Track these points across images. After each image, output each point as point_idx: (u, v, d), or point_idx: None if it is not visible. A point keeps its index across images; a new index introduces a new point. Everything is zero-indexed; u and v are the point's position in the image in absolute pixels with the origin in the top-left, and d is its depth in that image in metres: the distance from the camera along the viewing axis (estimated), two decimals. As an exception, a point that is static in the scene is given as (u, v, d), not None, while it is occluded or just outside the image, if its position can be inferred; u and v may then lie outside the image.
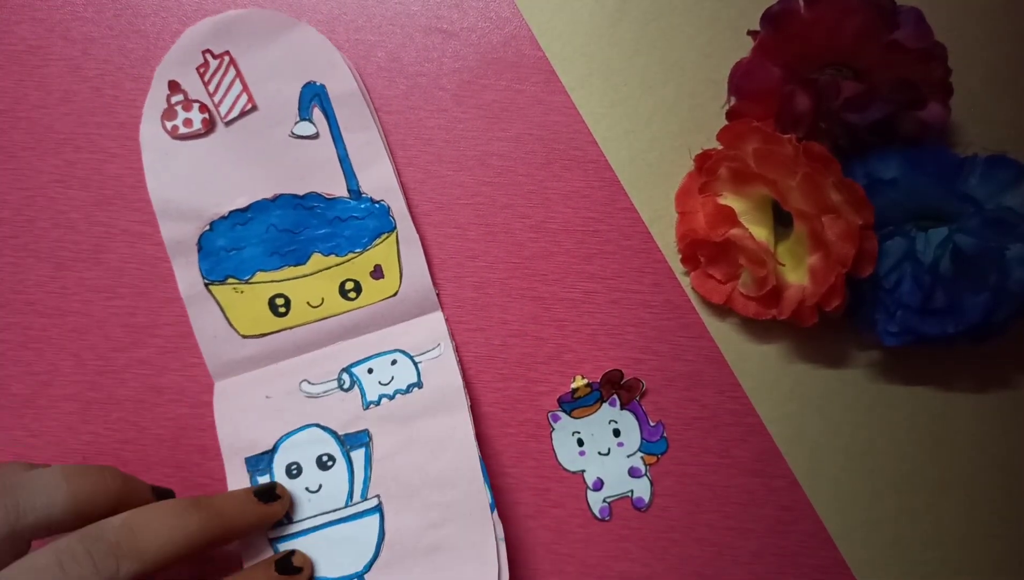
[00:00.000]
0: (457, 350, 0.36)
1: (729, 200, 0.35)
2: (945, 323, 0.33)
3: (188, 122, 0.35)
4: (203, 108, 0.35)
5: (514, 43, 0.38)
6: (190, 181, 0.35)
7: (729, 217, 0.34)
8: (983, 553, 0.36)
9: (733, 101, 0.35)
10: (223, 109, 0.35)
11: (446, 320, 0.36)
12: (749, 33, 0.34)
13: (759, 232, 0.34)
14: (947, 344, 0.33)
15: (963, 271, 0.32)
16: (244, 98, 0.35)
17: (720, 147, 0.35)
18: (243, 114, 0.35)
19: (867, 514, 0.36)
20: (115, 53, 0.38)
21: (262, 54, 0.36)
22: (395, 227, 0.36)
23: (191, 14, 0.38)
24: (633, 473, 0.36)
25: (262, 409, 0.35)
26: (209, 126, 0.35)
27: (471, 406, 0.36)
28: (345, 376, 0.35)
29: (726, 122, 0.35)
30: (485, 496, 0.33)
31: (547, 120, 0.38)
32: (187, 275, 0.35)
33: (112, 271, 0.37)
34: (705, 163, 0.35)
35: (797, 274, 0.34)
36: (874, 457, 0.36)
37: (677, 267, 0.37)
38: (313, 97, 0.36)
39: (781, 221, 0.35)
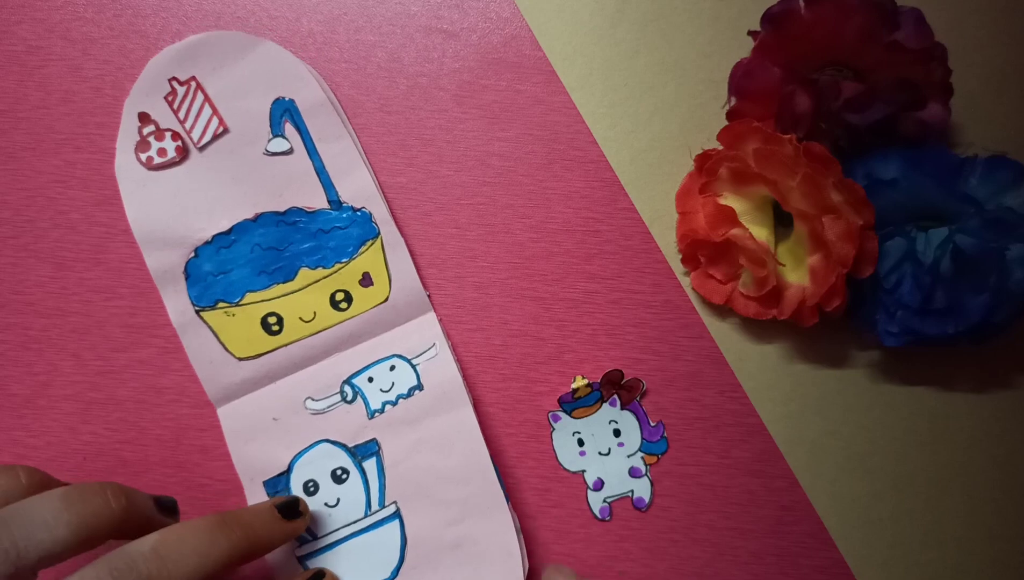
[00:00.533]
0: (454, 349, 0.36)
1: (729, 200, 0.35)
2: (945, 324, 0.33)
3: (162, 152, 0.35)
4: (175, 136, 0.35)
5: (514, 43, 0.38)
6: (171, 210, 0.35)
7: (729, 217, 0.34)
8: (983, 553, 0.36)
9: (733, 101, 0.35)
10: (195, 134, 0.35)
11: (440, 320, 0.36)
12: (749, 33, 0.34)
13: (759, 232, 0.34)
14: (947, 344, 0.33)
15: (963, 271, 0.32)
16: (215, 121, 0.35)
17: (720, 147, 0.35)
18: (215, 137, 0.35)
19: (867, 514, 0.36)
20: (115, 53, 0.37)
21: (228, 75, 0.36)
22: (379, 233, 0.36)
23: (191, 14, 0.38)
24: (633, 473, 0.36)
25: (271, 431, 0.35)
26: (183, 153, 0.35)
27: (473, 404, 0.36)
28: (347, 388, 0.35)
29: (726, 122, 0.35)
30: (498, 489, 0.34)
31: (547, 120, 0.38)
32: (177, 304, 0.35)
33: (112, 271, 0.37)
34: (705, 163, 0.35)
35: (797, 274, 0.34)
36: (874, 457, 0.36)
37: (677, 267, 0.37)
38: (283, 112, 0.36)
39: (781, 221, 0.35)
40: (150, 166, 0.35)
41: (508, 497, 0.34)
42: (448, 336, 0.36)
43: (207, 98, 0.35)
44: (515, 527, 0.34)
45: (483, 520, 0.34)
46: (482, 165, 0.37)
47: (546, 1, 0.38)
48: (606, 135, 0.38)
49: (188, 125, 0.35)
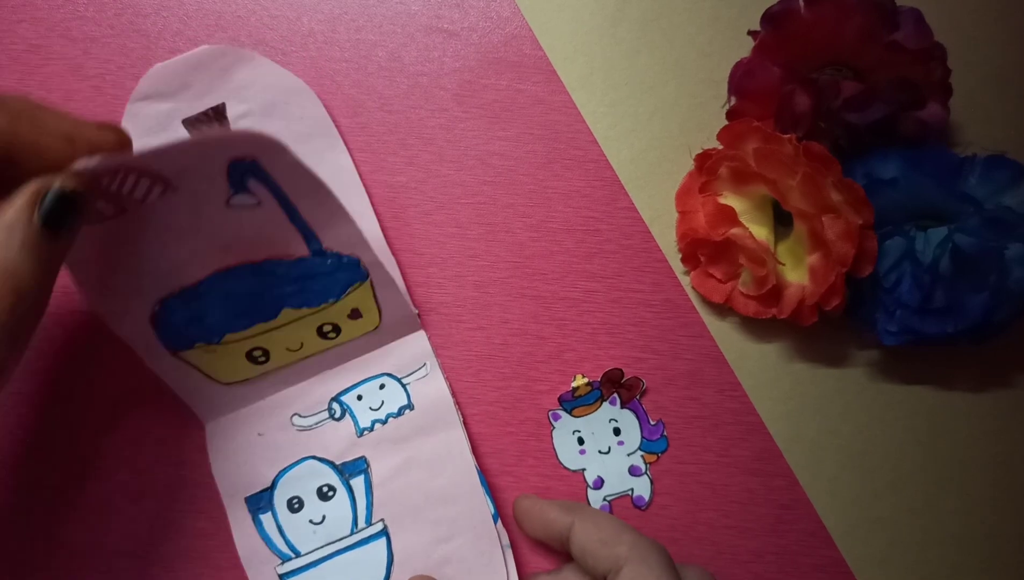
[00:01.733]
0: (443, 367, 0.36)
1: (729, 199, 0.35)
2: (944, 323, 0.33)
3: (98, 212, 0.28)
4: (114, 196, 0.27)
5: (515, 43, 0.38)
6: (119, 266, 0.30)
7: (729, 216, 0.34)
8: (981, 552, 0.36)
9: (733, 101, 0.35)
10: (138, 194, 0.28)
11: (429, 338, 0.36)
12: (749, 33, 0.34)
13: (759, 231, 0.34)
14: (946, 344, 0.34)
15: (962, 271, 0.32)
16: (159, 187, 0.28)
17: (720, 147, 0.35)
18: (162, 195, 0.28)
19: (866, 513, 0.36)
20: (116, 52, 0.38)
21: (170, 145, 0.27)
22: (368, 276, 0.33)
23: (191, 14, 0.38)
24: (633, 472, 0.36)
25: (256, 447, 0.34)
26: (118, 209, 0.28)
27: (470, 407, 0.36)
28: (335, 405, 0.35)
29: (726, 122, 0.35)
30: (487, 507, 0.34)
31: (548, 120, 0.38)
32: (148, 350, 0.32)
33: (113, 270, 0.37)
34: (705, 162, 0.35)
35: (797, 273, 0.34)
36: (873, 456, 0.36)
37: (677, 266, 0.37)
38: (243, 174, 0.29)
39: (781, 221, 0.35)
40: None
41: (497, 516, 0.34)
42: (437, 354, 0.36)
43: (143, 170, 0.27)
44: (503, 545, 0.33)
45: (471, 539, 0.33)
46: (482, 164, 0.38)
47: (547, 1, 0.38)
48: (606, 134, 0.38)
49: (126, 190, 0.27)
